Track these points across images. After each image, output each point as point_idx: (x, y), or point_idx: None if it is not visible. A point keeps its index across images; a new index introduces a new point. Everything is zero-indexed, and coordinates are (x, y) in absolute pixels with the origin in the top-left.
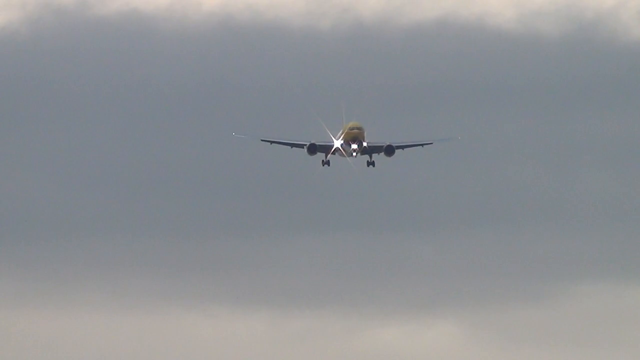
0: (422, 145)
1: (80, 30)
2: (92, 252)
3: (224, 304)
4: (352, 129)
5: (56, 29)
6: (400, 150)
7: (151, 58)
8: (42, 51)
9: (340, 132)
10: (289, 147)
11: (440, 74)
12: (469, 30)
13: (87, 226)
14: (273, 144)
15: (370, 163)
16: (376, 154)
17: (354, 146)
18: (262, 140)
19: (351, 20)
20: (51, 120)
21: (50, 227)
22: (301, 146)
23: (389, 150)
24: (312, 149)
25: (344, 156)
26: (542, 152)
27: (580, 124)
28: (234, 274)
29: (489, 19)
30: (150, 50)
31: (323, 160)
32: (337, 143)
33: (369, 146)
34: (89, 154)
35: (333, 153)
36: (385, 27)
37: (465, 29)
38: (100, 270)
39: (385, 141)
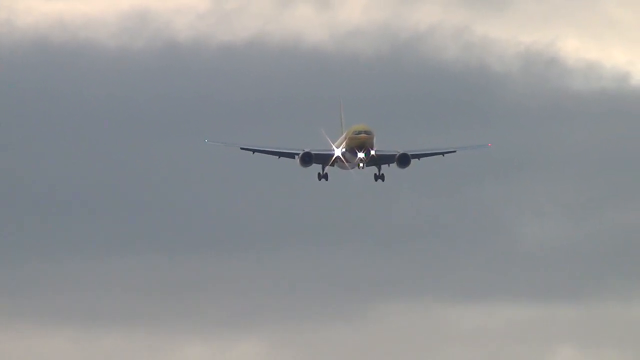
0: (442, 154)
1: None
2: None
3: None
4: (359, 133)
5: None
6: (417, 160)
7: None
8: None
9: (343, 137)
10: (277, 156)
11: (253, 93)
12: (282, 50)
13: (51, 242)
14: (256, 152)
15: (379, 176)
16: (386, 165)
17: (361, 155)
18: (242, 148)
19: (165, 40)
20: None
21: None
22: (292, 156)
23: (403, 160)
24: (307, 159)
25: (346, 168)
26: None
27: (395, 140)
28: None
29: (304, 38)
30: None
31: (320, 173)
32: (338, 151)
33: (377, 155)
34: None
35: (332, 164)
36: (199, 46)
37: (279, 48)
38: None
39: (397, 149)
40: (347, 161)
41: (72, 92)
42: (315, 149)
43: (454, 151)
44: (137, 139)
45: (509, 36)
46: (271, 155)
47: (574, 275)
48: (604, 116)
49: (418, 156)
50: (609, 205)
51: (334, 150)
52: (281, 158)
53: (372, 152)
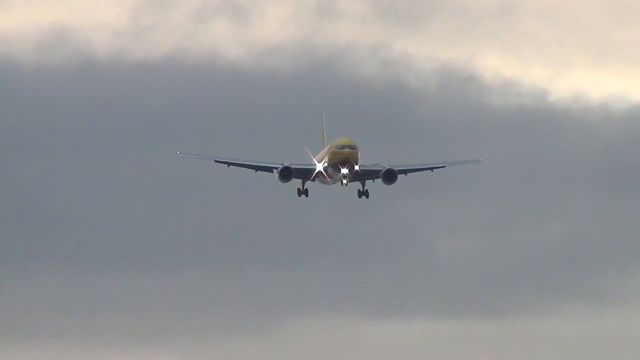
0: (431, 169)
1: None
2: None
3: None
4: (342, 147)
5: None
6: (403, 175)
7: None
8: None
9: (325, 150)
10: (254, 170)
11: (170, 109)
12: (199, 66)
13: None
14: (232, 166)
15: (363, 193)
16: (370, 181)
17: (344, 171)
18: (216, 161)
19: (83, 56)
20: None
21: None
22: (270, 170)
23: (389, 175)
24: (286, 173)
25: (327, 183)
26: None
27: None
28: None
29: (219, 54)
30: None
31: (299, 189)
32: (320, 166)
33: (362, 170)
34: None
35: (313, 179)
36: (116, 63)
37: (196, 65)
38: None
39: (382, 164)
40: (329, 176)
41: None
42: (295, 163)
43: (443, 166)
44: (52, 154)
45: (427, 52)
46: (248, 169)
47: (489, 291)
48: (522, 133)
49: (405, 171)
50: (524, 221)
51: (315, 164)
52: (258, 172)
53: (356, 168)
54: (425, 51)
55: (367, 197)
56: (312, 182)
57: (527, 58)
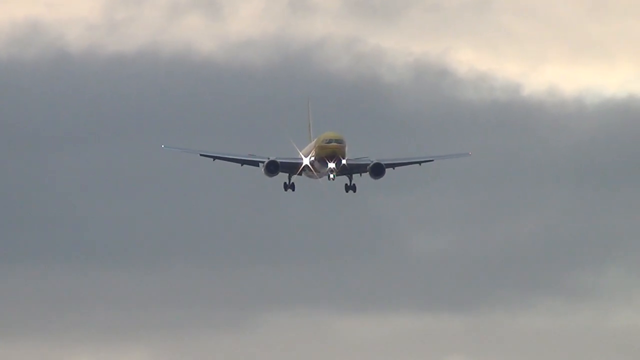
0: (419, 163)
1: None
2: None
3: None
4: (329, 141)
5: None
6: (391, 169)
7: None
8: None
9: (312, 144)
10: (239, 164)
11: (150, 102)
12: (174, 60)
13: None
14: (217, 159)
15: (350, 187)
16: (358, 175)
17: (331, 165)
18: (202, 155)
19: (56, 50)
20: None
21: None
22: (256, 164)
23: (377, 170)
24: (272, 167)
25: (314, 177)
26: None
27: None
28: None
29: (194, 48)
30: None
31: (286, 183)
32: (307, 160)
33: (349, 164)
34: None
35: (300, 173)
36: (89, 57)
37: (170, 59)
38: None
39: (370, 158)
40: (316, 171)
41: None
42: (281, 157)
43: (432, 160)
44: (26, 150)
45: (401, 47)
46: (233, 163)
47: (464, 285)
48: (495, 127)
49: (393, 165)
50: (498, 216)
51: (301, 158)
52: (244, 166)
53: (344, 162)
54: (399, 45)
55: (355, 191)
56: (299, 177)
57: (501, 52)
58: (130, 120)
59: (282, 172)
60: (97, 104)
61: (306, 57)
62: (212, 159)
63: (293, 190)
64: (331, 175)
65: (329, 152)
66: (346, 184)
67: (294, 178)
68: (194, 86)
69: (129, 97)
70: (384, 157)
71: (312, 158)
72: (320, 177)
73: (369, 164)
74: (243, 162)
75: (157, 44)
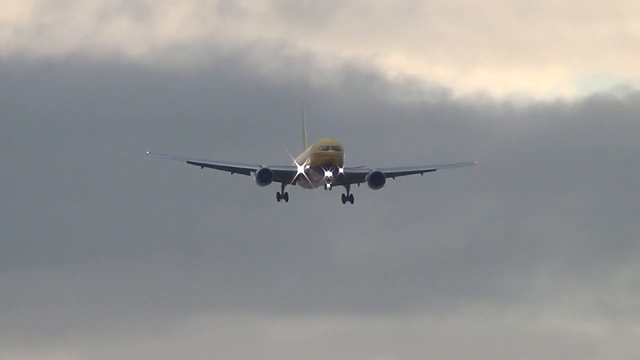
0: (421, 172)
1: None
2: None
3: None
4: (326, 148)
5: None
6: (391, 179)
7: None
8: None
9: (307, 151)
10: (229, 172)
11: (79, 107)
12: (103, 64)
13: None
14: (205, 167)
15: (348, 198)
16: (356, 185)
17: (328, 174)
18: (189, 162)
19: None
20: None
21: None
22: (247, 172)
23: (376, 179)
24: (265, 176)
25: (309, 187)
26: None
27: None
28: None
29: (123, 52)
30: None
31: (279, 193)
32: (301, 168)
33: (347, 173)
34: None
35: (294, 183)
36: (17, 61)
37: (99, 63)
38: None
39: (368, 166)
40: (311, 180)
41: None
42: (274, 165)
43: (435, 169)
44: None
45: (330, 50)
46: (223, 171)
47: (390, 288)
48: (425, 131)
49: (393, 175)
50: (425, 220)
51: (296, 166)
52: (234, 174)
53: (341, 170)
54: (329, 49)
55: (352, 202)
56: (293, 186)
57: (431, 56)
58: (62, 125)
59: (275, 181)
60: (24, 108)
61: (234, 61)
62: (200, 167)
63: (286, 200)
64: (327, 185)
65: (325, 160)
66: (343, 195)
67: (288, 187)
68: (123, 90)
69: (57, 101)
70: (381, 167)
71: (308, 166)
72: (315, 187)
73: (367, 173)
74: (233, 170)
75: (86, 48)
